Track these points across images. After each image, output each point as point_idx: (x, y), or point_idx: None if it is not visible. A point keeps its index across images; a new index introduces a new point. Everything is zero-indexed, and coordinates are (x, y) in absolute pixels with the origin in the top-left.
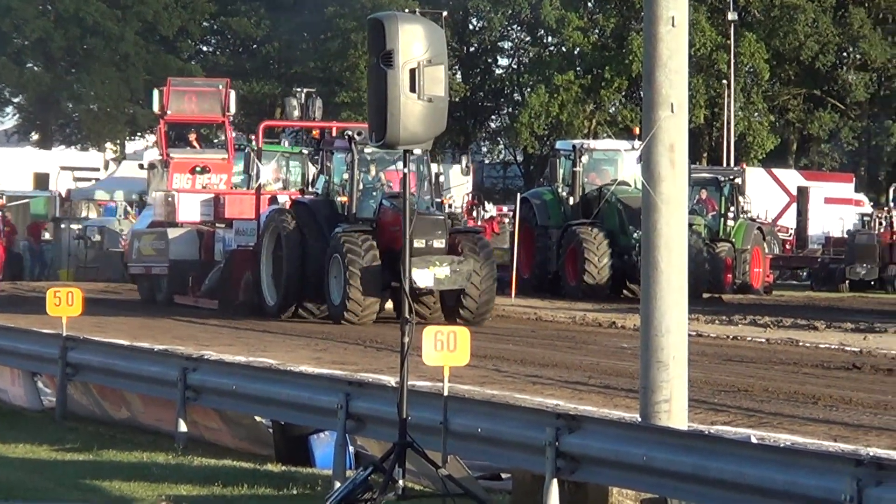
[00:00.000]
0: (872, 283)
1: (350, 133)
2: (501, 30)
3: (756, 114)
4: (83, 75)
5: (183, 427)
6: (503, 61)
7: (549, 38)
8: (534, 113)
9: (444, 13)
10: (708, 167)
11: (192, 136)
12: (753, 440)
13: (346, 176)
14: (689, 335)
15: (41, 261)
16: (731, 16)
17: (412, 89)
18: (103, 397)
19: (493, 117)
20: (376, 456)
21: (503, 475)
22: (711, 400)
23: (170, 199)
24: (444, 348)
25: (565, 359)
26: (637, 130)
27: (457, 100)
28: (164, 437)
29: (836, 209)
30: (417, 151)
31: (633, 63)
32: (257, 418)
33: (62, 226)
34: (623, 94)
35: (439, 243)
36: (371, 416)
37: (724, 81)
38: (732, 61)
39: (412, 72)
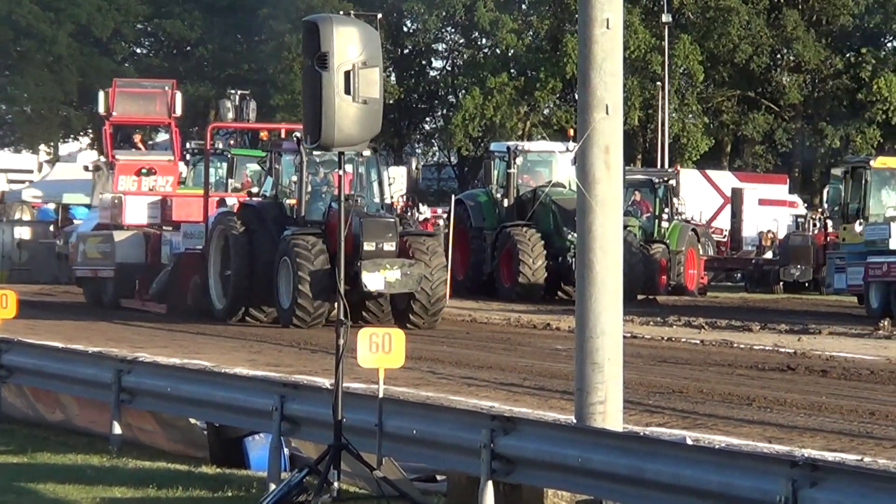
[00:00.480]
0: (807, 284)
1: (298, 135)
2: (436, 32)
3: (690, 115)
4: (16, 77)
5: (117, 429)
6: (437, 63)
7: (484, 41)
8: (468, 115)
9: (379, 15)
10: (642, 169)
11: (137, 138)
12: (689, 441)
13: (294, 178)
14: (624, 337)
15: None
16: (666, 18)
17: (347, 91)
18: (38, 399)
19: (428, 119)
20: (311, 458)
21: (438, 477)
22: (646, 401)
23: (116, 201)
24: (379, 350)
25: (500, 361)
26: (572, 132)
27: (391, 102)
28: (99, 440)
29: (770, 211)
30: (367, 153)
31: (568, 65)
32: (192, 420)
33: None
34: (557, 95)
35: (390, 246)
36: (306, 418)
37: (659, 83)
38: (667, 63)
39: (347, 74)
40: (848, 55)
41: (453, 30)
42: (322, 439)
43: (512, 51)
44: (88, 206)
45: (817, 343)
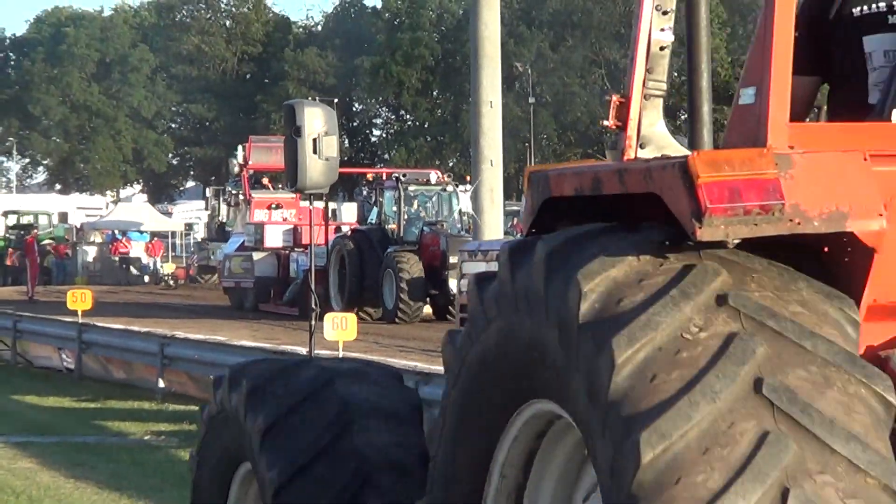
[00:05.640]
0: None
1: (397, 175)
2: (375, 111)
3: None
4: (90, 144)
5: (161, 384)
6: (376, 132)
7: (408, 115)
8: (397, 167)
9: (336, 100)
10: (518, 202)
11: (266, 180)
12: None
13: (394, 208)
14: None
15: (63, 271)
16: (531, 99)
17: (314, 152)
18: (108, 362)
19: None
20: None
21: None
22: None
23: (258, 230)
24: (338, 328)
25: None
26: (468, 178)
27: (345, 159)
28: (149, 391)
29: None
30: (449, 188)
31: (465, 132)
32: (212, 377)
33: (77, 247)
34: (458, 153)
35: None
36: None
37: (527, 144)
38: (532, 129)
39: (314, 140)
40: None
41: (387, 109)
42: None
43: (427, 123)
44: (141, 232)
45: None
